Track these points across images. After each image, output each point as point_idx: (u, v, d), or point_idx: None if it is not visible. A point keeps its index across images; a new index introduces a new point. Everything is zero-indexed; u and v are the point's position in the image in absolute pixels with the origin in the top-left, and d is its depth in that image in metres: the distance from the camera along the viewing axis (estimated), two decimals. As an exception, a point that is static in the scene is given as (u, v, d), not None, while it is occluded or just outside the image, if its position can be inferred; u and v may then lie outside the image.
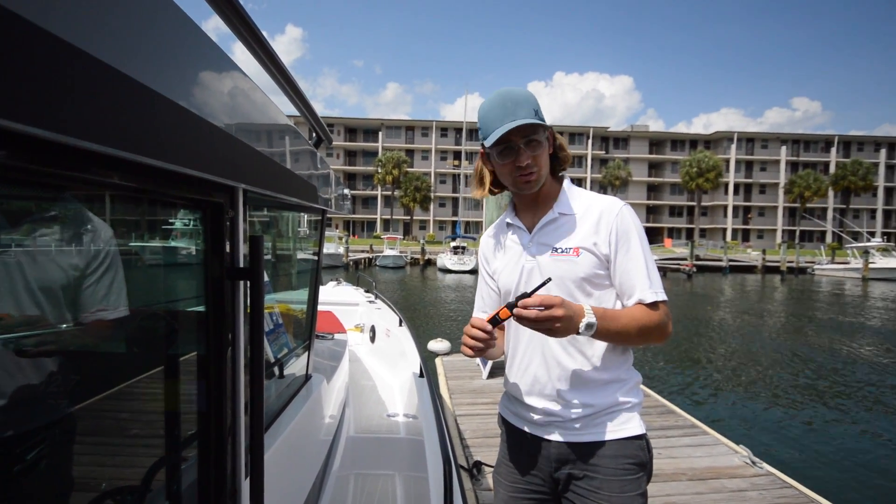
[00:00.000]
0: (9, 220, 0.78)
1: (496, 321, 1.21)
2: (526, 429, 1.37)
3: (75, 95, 0.43)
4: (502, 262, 1.42)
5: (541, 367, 1.32)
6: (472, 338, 1.22)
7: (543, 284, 1.19)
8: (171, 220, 1.03)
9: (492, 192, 1.44)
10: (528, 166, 1.26)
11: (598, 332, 1.19)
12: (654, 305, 1.26)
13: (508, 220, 1.42)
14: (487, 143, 1.28)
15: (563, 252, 1.29)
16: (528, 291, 1.19)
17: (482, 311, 1.50)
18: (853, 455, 5.43)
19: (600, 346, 1.29)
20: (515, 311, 1.15)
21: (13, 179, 0.53)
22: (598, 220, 1.28)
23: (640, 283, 1.26)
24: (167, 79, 0.59)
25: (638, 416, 1.32)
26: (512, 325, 1.39)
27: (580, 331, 1.16)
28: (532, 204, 1.38)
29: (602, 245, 1.27)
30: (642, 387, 1.42)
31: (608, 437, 1.27)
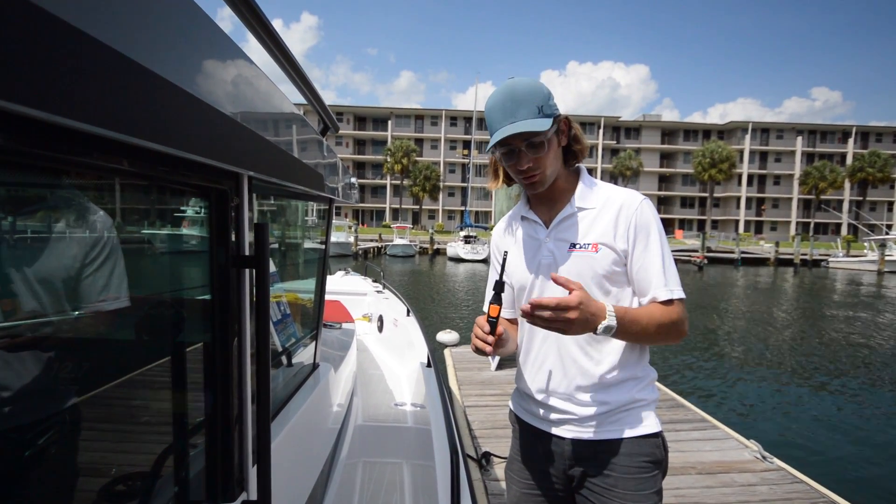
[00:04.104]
0: (10, 207, 0.77)
1: (492, 323, 1.18)
2: (539, 426, 1.34)
3: (79, 78, 0.43)
4: (517, 256, 1.38)
5: (556, 365, 1.30)
6: (480, 338, 1.20)
7: (504, 263, 1.23)
8: (175, 208, 1.02)
9: (507, 183, 1.39)
10: (528, 169, 1.23)
11: (617, 334, 1.15)
12: (669, 303, 1.22)
13: (523, 213, 1.38)
14: (488, 146, 1.24)
15: (581, 248, 1.25)
16: (498, 282, 1.20)
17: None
18: (865, 451, 5.37)
19: (617, 345, 1.26)
20: (522, 307, 1.11)
21: (16, 164, 0.52)
22: (618, 215, 1.24)
23: (655, 280, 1.22)
24: (172, 64, 0.58)
25: (654, 413, 1.29)
26: (525, 324, 1.37)
27: (598, 332, 1.12)
28: (547, 198, 1.33)
29: (620, 240, 1.23)
30: None
31: (624, 435, 1.25)
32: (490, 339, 1.18)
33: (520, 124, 1.17)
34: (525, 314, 1.11)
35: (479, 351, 1.22)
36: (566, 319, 1.08)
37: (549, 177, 1.26)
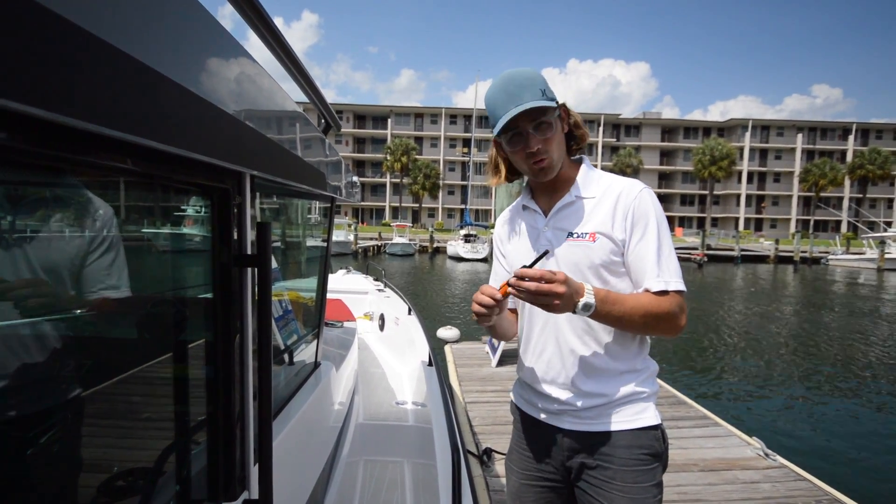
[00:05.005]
0: (12, 202, 0.77)
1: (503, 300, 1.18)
2: (539, 416, 1.35)
3: (80, 77, 0.43)
4: (517, 245, 1.38)
5: (555, 355, 1.30)
6: (479, 303, 1.19)
7: (542, 257, 1.16)
8: (177, 206, 1.02)
9: (508, 180, 1.39)
10: (538, 151, 1.21)
11: (598, 315, 1.14)
12: (664, 294, 1.19)
13: (525, 202, 1.38)
14: (495, 131, 1.23)
15: (579, 237, 1.25)
16: (528, 264, 1.14)
17: None
18: (868, 447, 5.38)
19: (616, 335, 1.25)
20: (511, 281, 1.10)
21: (18, 162, 0.52)
22: (616, 204, 1.23)
23: (649, 270, 1.20)
24: (174, 62, 0.57)
25: (653, 406, 1.28)
26: (525, 310, 1.37)
27: (577, 310, 1.12)
28: (549, 187, 1.33)
29: (618, 230, 1.22)
30: None
31: (623, 426, 1.24)
32: (497, 295, 1.16)
33: (529, 104, 1.16)
34: (511, 286, 1.11)
35: (479, 316, 1.21)
36: (552, 292, 1.07)
37: (556, 161, 1.25)
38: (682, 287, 1.21)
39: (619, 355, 1.26)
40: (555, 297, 1.08)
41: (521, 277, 1.09)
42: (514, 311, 1.49)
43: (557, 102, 1.23)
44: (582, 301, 1.11)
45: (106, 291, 0.94)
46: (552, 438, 1.32)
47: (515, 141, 1.23)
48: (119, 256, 0.95)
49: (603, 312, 1.14)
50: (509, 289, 1.12)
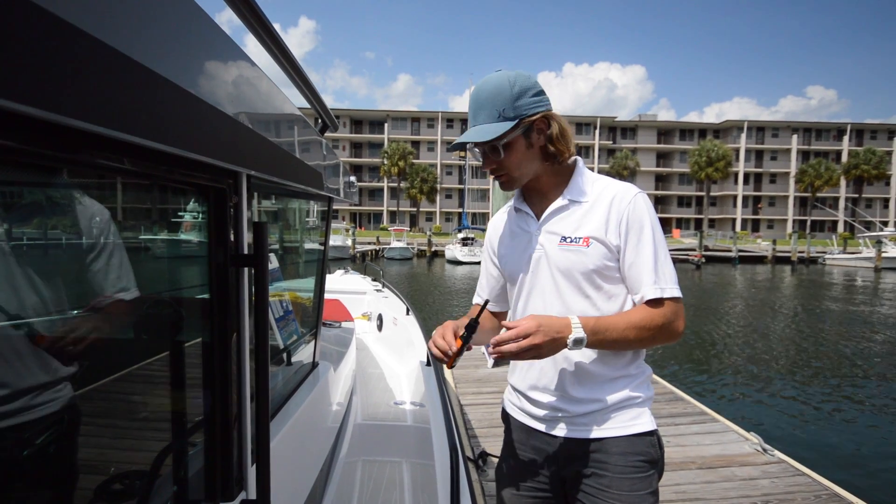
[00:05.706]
0: (9, 205, 0.78)
1: (459, 353, 1.19)
2: (531, 424, 1.32)
3: (77, 76, 0.43)
4: (508, 248, 1.36)
5: (548, 361, 1.26)
6: (437, 347, 1.20)
7: (483, 308, 1.22)
8: (174, 206, 1.02)
9: None
10: (493, 170, 1.24)
11: (591, 345, 1.13)
12: (659, 302, 1.17)
13: (517, 205, 1.36)
14: (449, 147, 1.29)
15: (571, 241, 1.22)
16: (472, 322, 1.19)
17: (479, 297, 1.49)
18: (866, 441, 5.39)
19: None
20: (490, 351, 1.12)
21: (15, 162, 0.53)
22: (610, 208, 1.20)
23: (646, 277, 1.18)
24: (171, 63, 0.58)
25: (648, 411, 1.26)
26: (517, 315, 1.35)
27: (569, 347, 1.10)
28: (540, 190, 1.31)
29: (612, 235, 1.19)
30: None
31: (617, 433, 1.21)
32: (450, 352, 1.18)
33: (469, 133, 1.20)
34: (494, 353, 1.12)
35: (436, 357, 1.23)
36: (532, 345, 1.07)
37: (517, 178, 1.26)
38: (678, 294, 1.19)
39: (613, 361, 1.23)
40: (537, 349, 1.09)
41: (497, 344, 1.11)
42: (503, 314, 1.49)
43: (527, 117, 1.19)
44: (571, 338, 1.10)
45: (119, 294, 0.94)
46: (546, 447, 1.29)
47: (481, 157, 1.28)
48: (125, 257, 0.95)
49: (595, 342, 1.13)
50: (489, 359, 1.16)
